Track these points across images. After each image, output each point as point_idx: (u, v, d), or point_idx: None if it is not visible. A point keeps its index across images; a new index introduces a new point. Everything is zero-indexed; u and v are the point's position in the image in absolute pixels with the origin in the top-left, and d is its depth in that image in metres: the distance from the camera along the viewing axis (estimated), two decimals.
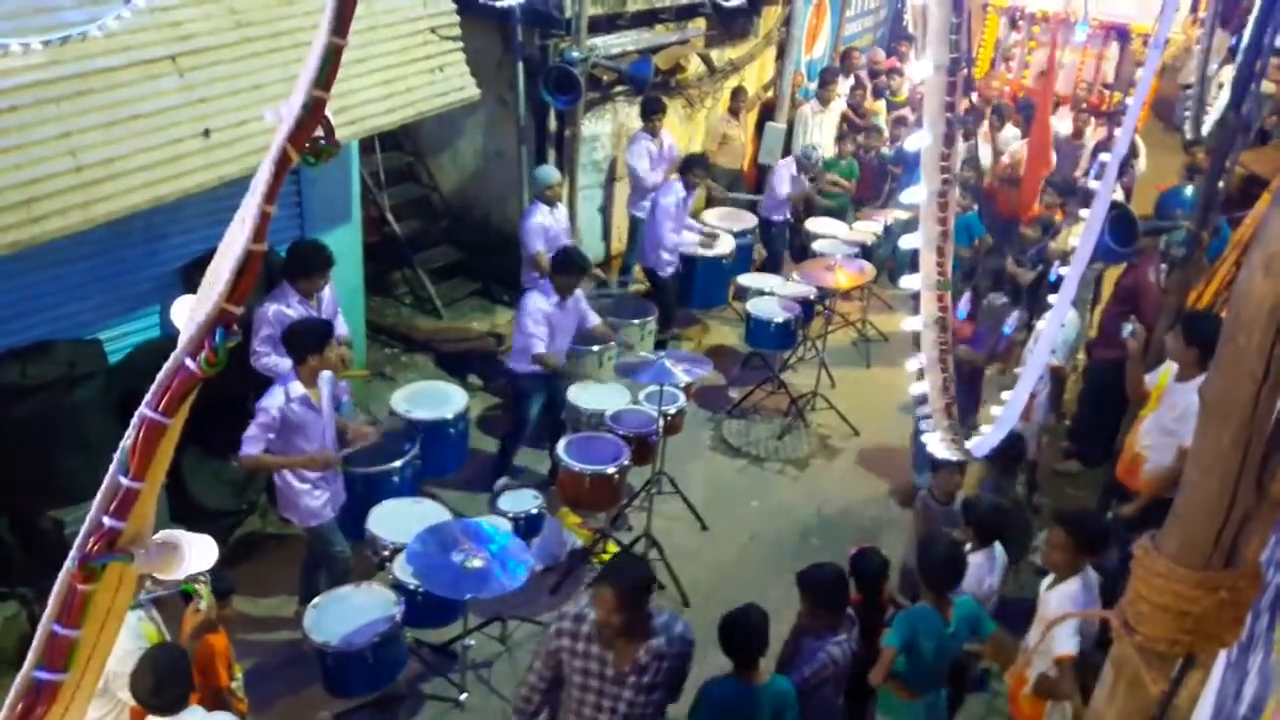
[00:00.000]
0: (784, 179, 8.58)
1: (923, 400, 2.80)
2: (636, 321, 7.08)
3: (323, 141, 1.06)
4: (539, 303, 5.79)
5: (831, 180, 9.17)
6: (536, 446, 6.31)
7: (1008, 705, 4.53)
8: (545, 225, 6.60)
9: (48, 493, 4.62)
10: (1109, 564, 4.34)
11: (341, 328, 5.59)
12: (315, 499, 4.64)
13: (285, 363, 4.88)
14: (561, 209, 6.86)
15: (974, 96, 9.44)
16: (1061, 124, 9.69)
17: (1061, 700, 3.80)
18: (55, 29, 3.91)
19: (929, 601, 3.91)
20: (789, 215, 8.71)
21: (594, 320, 6.16)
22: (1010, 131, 9.59)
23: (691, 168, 7.44)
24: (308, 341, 4.46)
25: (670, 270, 7.57)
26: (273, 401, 4.41)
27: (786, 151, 9.50)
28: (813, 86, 10.05)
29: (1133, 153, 8.63)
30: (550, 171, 6.83)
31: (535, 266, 6.53)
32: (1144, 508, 4.78)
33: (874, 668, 3.85)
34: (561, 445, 5.55)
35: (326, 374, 4.66)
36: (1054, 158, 9.04)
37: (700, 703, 3.60)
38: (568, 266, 5.81)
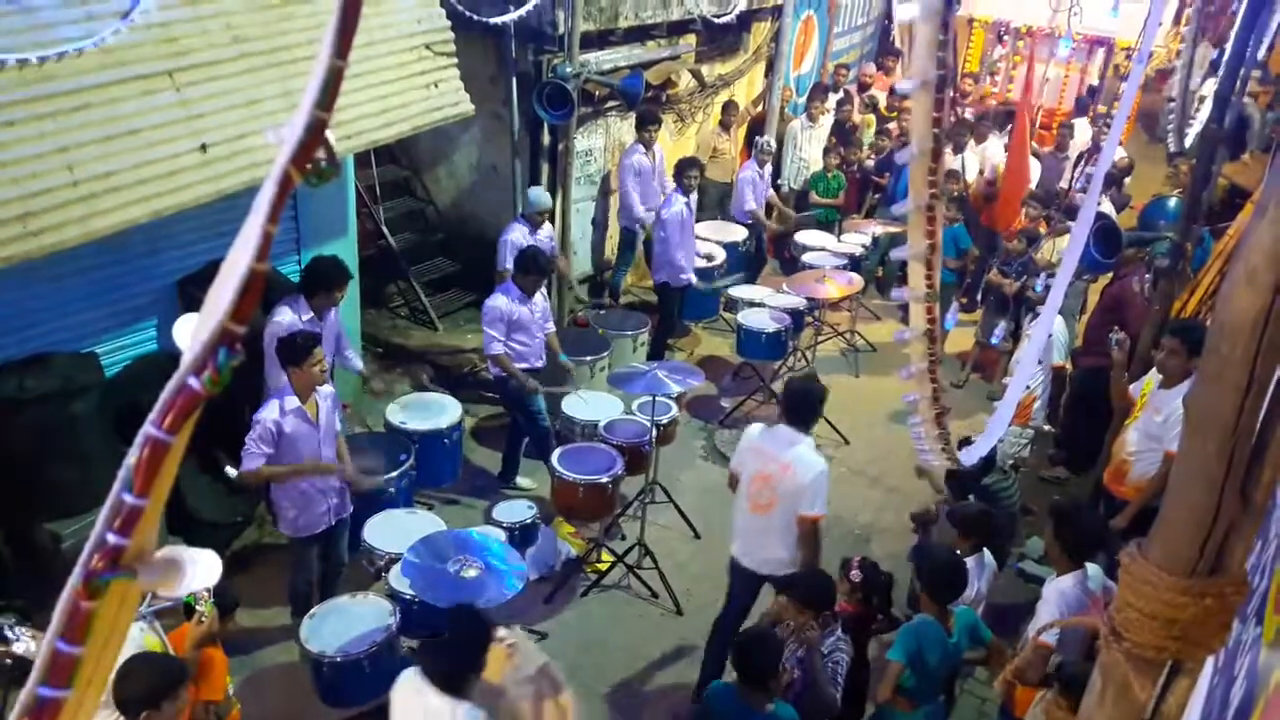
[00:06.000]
0: (745, 190, 8.66)
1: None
2: (629, 333, 7.10)
3: (324, 162, 1.08)
4: (497, 301, 5.79)
5: (815, 203, 9.27)
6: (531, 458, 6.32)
7: (995, 710, 4.55)
8: (520, 244, 6.54)
9: (44, 505, 4.60)
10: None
11: (356, 362, 5.63)
12: (298, 512, 4.66)
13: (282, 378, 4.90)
14: (546, 229, 6.82)
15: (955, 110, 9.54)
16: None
17: (1029, 685, 3.79)
18: (52, 44, 3.92)
19: (931, 613, 3.89)
20: (753, 219, 8.72)
21: (552, 327, 6.17)
22: (995, 145, 9.69)
23: (686, 170, 7.43)
24: (292, 351, 4.46)
25: (684, 283, 7.53)
26: (267, 414, 4.43)
27: (777, 165, 9.58)
28: (801, 102, 10.12)
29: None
30: (542, 196, 6.75)
31: (502, 282, 6.58)
32: (1133, 516, 4.81)
33: (881, 684, 3.82)
34: (556, 455, 5.57)
35: (327, 389, 4.66)
36: (1037, 170, 9.13)
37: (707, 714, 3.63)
38: (526, 267, 5.80)
